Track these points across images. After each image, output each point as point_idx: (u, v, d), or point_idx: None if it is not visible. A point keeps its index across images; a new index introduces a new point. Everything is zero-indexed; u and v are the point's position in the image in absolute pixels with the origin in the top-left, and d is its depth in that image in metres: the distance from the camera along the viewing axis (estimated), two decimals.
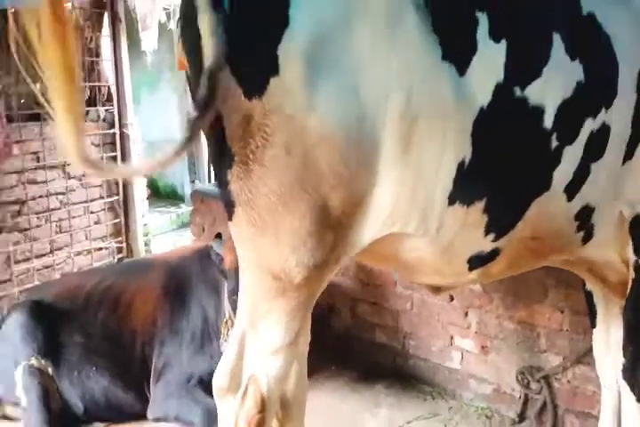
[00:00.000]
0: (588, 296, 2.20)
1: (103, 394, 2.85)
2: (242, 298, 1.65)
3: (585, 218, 1.71)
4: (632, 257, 1.83)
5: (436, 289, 2.00)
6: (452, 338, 2.99)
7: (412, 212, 1.52)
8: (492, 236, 1.61)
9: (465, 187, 1.52)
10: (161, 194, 7.97)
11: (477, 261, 1.68)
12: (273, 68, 1.35)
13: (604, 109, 1.60)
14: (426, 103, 1.43)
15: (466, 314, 2.91)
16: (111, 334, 2.92)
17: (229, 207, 1.52)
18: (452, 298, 2.93)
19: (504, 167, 1.55)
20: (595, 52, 1.60)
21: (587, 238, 1.78)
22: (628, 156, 1.69)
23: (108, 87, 4.49)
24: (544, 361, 2.66)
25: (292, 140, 1.40)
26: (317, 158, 1.42)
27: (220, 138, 1.44)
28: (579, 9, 1.61)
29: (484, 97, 1.47)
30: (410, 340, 3.16)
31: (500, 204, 1.58)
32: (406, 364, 3.19)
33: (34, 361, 2.82)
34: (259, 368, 1.64)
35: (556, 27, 1.54)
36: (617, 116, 1.62)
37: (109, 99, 4.48)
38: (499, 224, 1.61)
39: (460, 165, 1.49)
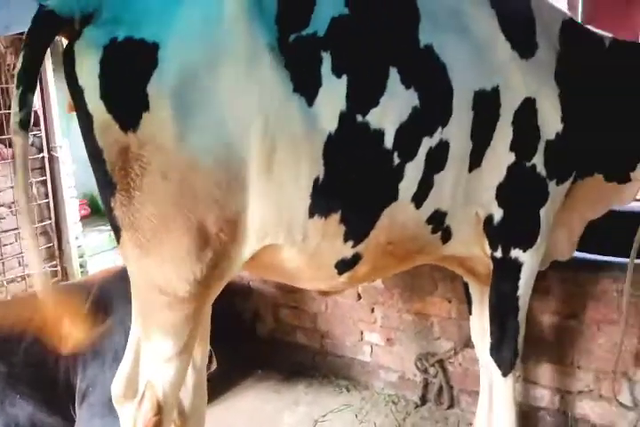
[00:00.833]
0: (465, 287, 2.50)
1: (29, 420, 2.90)
2: (134, 310, 1.84)
3: (438, 221, 1.97)
4: (488, 251, 2.13)
5: (324, 293, 2.26)
6: (362, 333, 3.30)
7: (279, 224, 1.75)
8: (350, 243, 1.86)
9: (321, 201, 1.76)
10: (101, 212, 8.01)
11: (343, 266, 1.92)
12: (144, 105, 1.56)
13: (440, 128, 1.84)
14: (281, 130, 1.66)
15: (372, 310, 3.23)
16: (35, 360, 2.93)
17: (116, 232, 1.71)
18: (359, 297, 3.25)
19: (353, 183, 1.80)
20: (429, 80, 1.84)
21: (446, 238, 2.05)
22: (475, 164, 1.94)
23: (35, 112, 4.59)
24: (438, 347, 3.00)
25: (166, 168, 1.60)
26: (192, 183, 1.62)
27: (102, 169, 1.64)
28: (416, 42, 1.85)
29: (331, 123, 1.71)
30: (327, 339, 3.45)
31: (353, 215, 1.83)
32: (324, 361, 3.47)
33: None
34: (154, 375, 1.84)
35: (392, 61, 1.80)
36: (454, 134, 1.87)
37: (37, 123, 4.54)
38: (355, 233, 1.85)
39: (315, 182, 1.73)
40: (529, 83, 1.96)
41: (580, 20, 8.88)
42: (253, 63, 1.63)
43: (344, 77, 1.72)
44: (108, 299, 3.13)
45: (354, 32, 1.81)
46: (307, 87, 1.70)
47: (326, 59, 1.72)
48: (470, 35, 1.93)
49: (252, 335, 3.69)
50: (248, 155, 1.65)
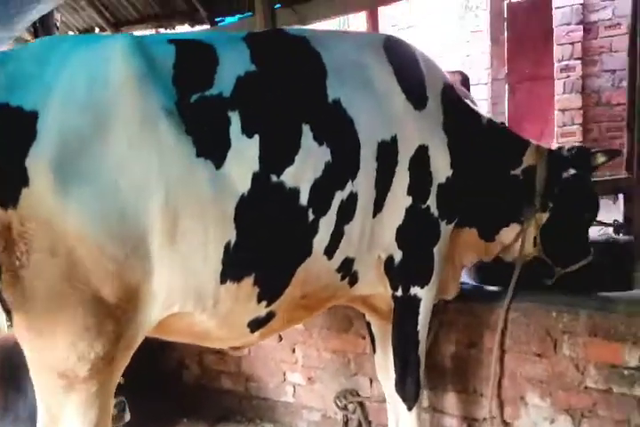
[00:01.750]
0: (368, 326, 2.64)
1: None
2: (37, 396, 1.69)
3: (347, 268, 2.07)
4: (390, 291, 2.28)
5: (235, 347, 2.27)
6: (284, 374, 3.36)
7: (187, 294, 1.71)
8: (264, 303, 1.88)
9: (234, 266, 1.74)
10: None
11: (256, 324, 1.94)
12: (23, 180, 1.48)
13: (350, 181, 1.94)
14: (185, 197, 1.62)
15: (293, 350, 3.31)
16: None
17: (7, 313, 1.57)
18: (280, 338, 3.34)
19: (268, 244, 1.81)
20: (339, 135, 1.93)
21: (353, 282, 2.17)
22: (378, 209, 2.07)
23: None
24: (355, 383, 3.10)
25: (53, 243, 1.50)
26: (82, 257, 1.53)
27: None
28: (325, 97, 1.94)
29: (243, 185, 1.71)
30: (251, 382, 3.49)
31: (268, 276, 1.84)
32: (250, 405, 3.50)
33: None
34: None
35: (304, 118, 1.86)
36: (362, 184, 1.98)
37: None
38: (269, 292, 1.87)
39: (227, 248, 1.70)
40: (422, 132, 2.17)
41: (505, 55, 9.50)
42: (147, 128, 1.59)
43: (256, 137, 1.74)
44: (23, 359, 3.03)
45: (263, 90, 1.84)
46: (213, 150, 1.68)
47: (235, 119, 1.73)
48: (372, 87, 2.07)
49: (179, 383, 3.69)
50: (148, 225, 1.59)
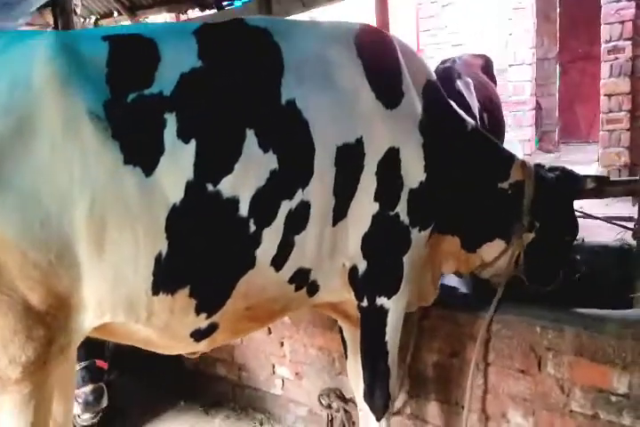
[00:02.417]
0: (340, 331, 2.53)
1: None
2: None
3: (302, 279, 1.94)
4: (354, 301, 2.15)
5: (191, 353, 2.20)
6: (273, 367, 3.32)
7: (118, 304, 1.65)
8: (204, 315, 1.77)
9: (166, 277, 1.65)
10: None
11: (199, 335, 1.84)
12: None
13: (300, 189, 1.79)
14: (112, 206, 1.53)
15: (281, 344, 3.25)
16: None
17: None
18: (269, 331, 3.28)
19: (203, 255, 1.69)
20: (290, 140, 1.78)
21: (313, 292, 2.03)
22: (340, 217, 1.92)
23: None
24: (339, 383, 3.01)
25: None
26: (6, 262, 1.50)
27: None
28: (277, 98, 1.77)
29: (175, 194, 1.59)
30: (243, 371, 3.48)
31: (204, 288, 1.74)
32: (242, 394, 3.50)
33: None
34: None
35: (249, 122, 1.70)
36: (316, 191, 1.82)
37: None
38: (208, 305, 1.77)
39: (158, 259, 1.61)
40: (393, 132, 1.98)
41: (557, 33, 8.93)
42: (70, 133, 1.51)
43: (192, 142, 1.61)
44: None
45: (207, 89, 1.69)
46: (143, 156, 1.58)
47: (171, 122, 1.60)
48: (335, 85, 1.90)
49: (179, 368, 3.72)
50: (74, 234, 1.53)
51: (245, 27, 1.91)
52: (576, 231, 2.50)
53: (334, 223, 1.92)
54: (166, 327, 1.76)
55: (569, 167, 2.52)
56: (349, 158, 1.90)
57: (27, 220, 1.49)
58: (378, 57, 2.04)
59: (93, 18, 5.13)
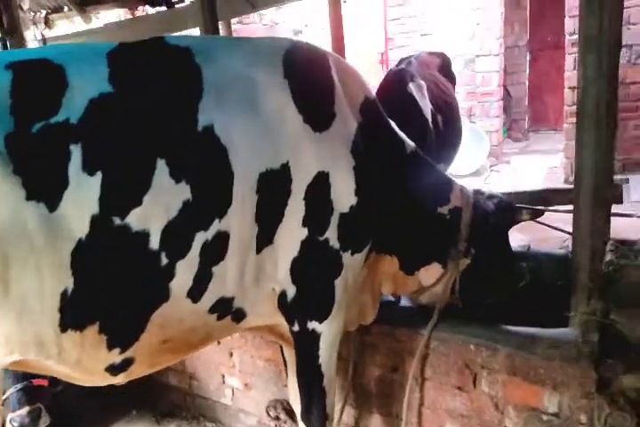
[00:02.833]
0: (281, 349, 2.52)
1: None
2: None
3: (224, 308, 1.90)
4: (286, 325, 2.13)
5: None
6: (223, 377, 3.30)
7: (26, 342, 1.62)
8: (117, 350, 1.73)
9: (73, 314, 1.61)
10: None
11: (115, 370, 1.80)
12: None
13: (217, 220, 1.73)
14: (15, 243, 1.49)
15: (230, 355, 3.23)
16: None
17: None
18: (218, 342, 3.25)
19: (113, 291, 1.65)
20: (205, 168, 1.71)
21: (239, 319, 2.00)
22: (265, 244, 1.87)
23: None
24: (287, 394, 3.00)
25: None
26: None
27: None
28: (193, 124, 1.70)
29: (81, 229, 1.55)
30: (194, 380, 3.46)
31: (115, 323, 1.70)
32: (193, 403, 3.48)
33: None
34: None
35: (161, 151, 1.64)
36: (236, 220, 1.77)
37: None
38: (119, 340, 1.73)
39: (64, 296, 1.57)
40: (322, 157, 1.92)
41: (527, 20, 8.87)
42: None
43: (98, 175, 1.56)
44: None
45: (116, 116, 1.63)
46: (47, 191, 1.53)
47: (76, 153, 1.55)
48: (260, 108, 1.83)
49: None
50: None
51: (165, 46, 1.83)
52: (510, 260, 2.51)
53: (258, 250, 1.87)
54: (78, 363, 1.73)
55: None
56: (273, 184, 1.84)
57: None
58: (307, 77, 1.97)
59: (44, 12, 4.94)
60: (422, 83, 3.79)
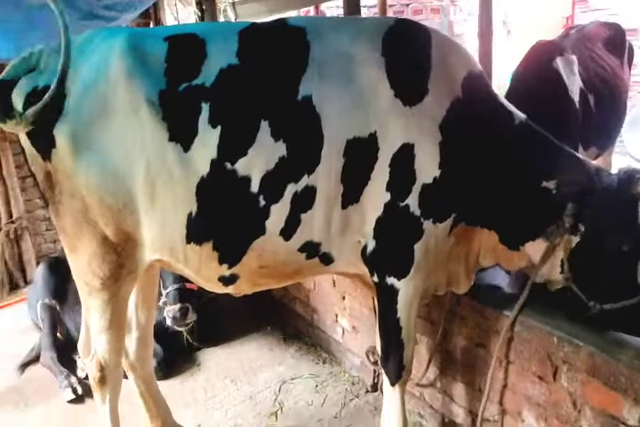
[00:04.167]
0: (373, 300, 2.61)
1: None
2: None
3: (312, 250, 2.16)
4: (369, 276, 2.27)
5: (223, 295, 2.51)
6: (336, 316, 3.53)
7: (163, 246, 2.13)
8: (226, 265, 2.16)
9: (195, 231, 2.07)
10: None
11: (225, 281, 2.24)
12: (52, 143, 2.03)
13: (306, 175, 2.01)
14: (160, 171, 1.98)
15: (343, 298, 3.43)
16: None
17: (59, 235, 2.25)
18: (334, 284, 3.46)
19: (223, 219, 2.07)
20: (300, 132, 2.00)
21: (327, 262, 2.25)
22: (350, 202, 2.08)
23: None
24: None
25: (72, 190, 2.08)
26: (90, 203, 2.07)
27: (38, 188, 2.22)
28: (294, 94, 1.98)
29: (204, 168, 1.98)
30: (315, 313, 3.76)
31: (223, 244, 2.11)
32: (313, 333, 3.81)
33: (47, 300, 3.92)
34: (94, 342, 2.40)
35: (265, 114, 1.97)
36: (323, 178, 2.02)
37: None
38: (227, 258, 2.14)
39: (189, 216, 2.04)
40: (408, 129, 2.03)
41: None
42: (133, 115, 1.96)
43: (218, 128, 1.95)
44: None
45: (237, 84, 2.00)
46: (183, 136, 1.97)
47: (205, 110, 1.95)
48: (355, 82, 2.01)
49: (268, 297, 4.13)
50: (135, 189, 2.02)
51: (285, 26, 2.13)
52: (636, 242, 2.11)
53: (344, 206, 2.08)
54: (199, 270, 2.19)
55: None
56: (360, 151, 2.02)
57: (104, 174, 2.01)
58: (404, 54, 2.06)
59: None
60: (573, 58, 3.26)
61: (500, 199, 2.16)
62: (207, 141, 1.95)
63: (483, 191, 2.14)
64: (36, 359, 3.81)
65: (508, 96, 2.36)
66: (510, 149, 2.13)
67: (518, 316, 2.28)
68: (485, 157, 2.10)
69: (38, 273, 4.15)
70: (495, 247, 2.28)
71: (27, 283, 5.06)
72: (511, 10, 8.90)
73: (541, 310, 2.26)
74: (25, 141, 2.15)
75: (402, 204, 2.07)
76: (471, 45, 3.70)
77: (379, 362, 3.10)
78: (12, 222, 5.12)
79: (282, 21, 2.17)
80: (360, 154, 2.02)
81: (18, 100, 2.07)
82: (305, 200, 2.04)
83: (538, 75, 3.13)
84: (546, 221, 2.15)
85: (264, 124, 1.96)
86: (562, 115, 3.02)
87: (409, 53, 2.07)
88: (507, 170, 2.13)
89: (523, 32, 8.17)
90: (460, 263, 2.34)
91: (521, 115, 2.17)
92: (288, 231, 2.08)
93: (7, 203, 5.09)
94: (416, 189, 2.05)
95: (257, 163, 1.97)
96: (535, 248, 2.20)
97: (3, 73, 2.12)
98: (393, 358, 2.33)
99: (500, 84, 3.97)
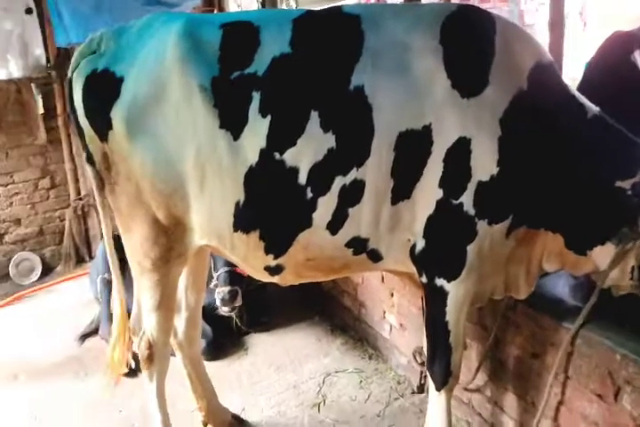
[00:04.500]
0: (422, 300, 2.48)
1: None
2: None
3: (359, 246, 2.08)
4: (417, 276, 2.16)
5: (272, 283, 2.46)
6: (384, 312, 3.42)
7: (210, 233, 2.14)
8: (272, 256, 2.12)
9: (242, 220, 2.05)
10: None
11: (271, 271, 2.21)
12: (109, 125, 2.06)
13: (355, 168, 1.93)
14: (210, 158, 1.97)
15: (391, 295, 3.31)
16: None
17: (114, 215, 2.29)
18: (382, 279, 3.34)
19: (270, 209, 2.04)
20: (350, 123, 1.92)
21: (375, 259, 2.15)
22: (401, 197, 1.98)
23: None
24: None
25: (127, 172, 2.11)
26: (143, 187, 2.10)
27: (94, 167, 2.23)
28: (346, 84, 1.90)
29: (252, 157, 1.95)
30: (362, 308, 3.66)
31: (270, 234, 2.08)
32: (360, 327, 3.72)
33: (107, 275, 3.98)
34: (144, 321, 2.44)
35: (315, 104, 1.91)
36: (372, 172, 1.93)
37: None
38: (273, 248, 2.11)
39: (237, 205, 2.02)
40: (465, 122, 1.90)
41: None
42: (186, 100, 1.97)
43: (268, 117, 1.92)
44: None
45: (289, 73, 1.95)
46: (233, 124, 1.95)
47: (256, 98, 1.92)
48: (410, 72, 1.91)
49: (317, 288, 4.07)
50: (185, 175, 2.03)
51: (340, 14, 2.04)
52: None
53: (394, 202, 1.98)
54: (245, 258, 2.19)
55: None
56: (413, 144, 1.91)
57: (158, 159, 2.02)
58: (464, 44, 1.93)
59: None
60: None
61: (568, 200, 1.98)
62: (257, 130, 1.92)
63: (547, 192, 1.97)
64: (95, 331, 3.95)
65: (578, 89, 2.13)
66: (581, 144, 1.94)
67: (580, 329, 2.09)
68: (552, 153, 1.93)
69: (100, 249, 4.26)
70: (560, 251, 2.10)
71: (91, 258, 5.24)
72: (589, 1, 8.31)
73: (603, 323, 2.07)
74: (84, 122, 2.17)
75: (455, 202, 1.93)
76: (543, 36, 3.43)
77: (425, 364, 3.01)
78: (80, 199, 5.31)
79: (337, 9, 2.09)
80: (412, 147, 1.91)
81: (78, 82, 2.12)
82: (353, 194, 1.96)
83: (613, 68, 2.86)
84: (618, 224, 1.95)
85: (314, 115, 1.90)
86: (638, 111, 2.75)
87: (470, 41, 1.92)
88: (576, 168, 1.95)
89: (600, 24, 7.62)
90: (521, 267, 2.17)
91: (594, 108, 1.97)
92: (335, 225, 2.02)
93: (76, 180, 5.29)
94: (471, 186, 1.92)
95: (305, 154, 1.92)
96: (603, 253, 2.01)
97: (72, 60, 2.18)
98: (439, 363, 2.21)
99: (574, 76, 3.68)
